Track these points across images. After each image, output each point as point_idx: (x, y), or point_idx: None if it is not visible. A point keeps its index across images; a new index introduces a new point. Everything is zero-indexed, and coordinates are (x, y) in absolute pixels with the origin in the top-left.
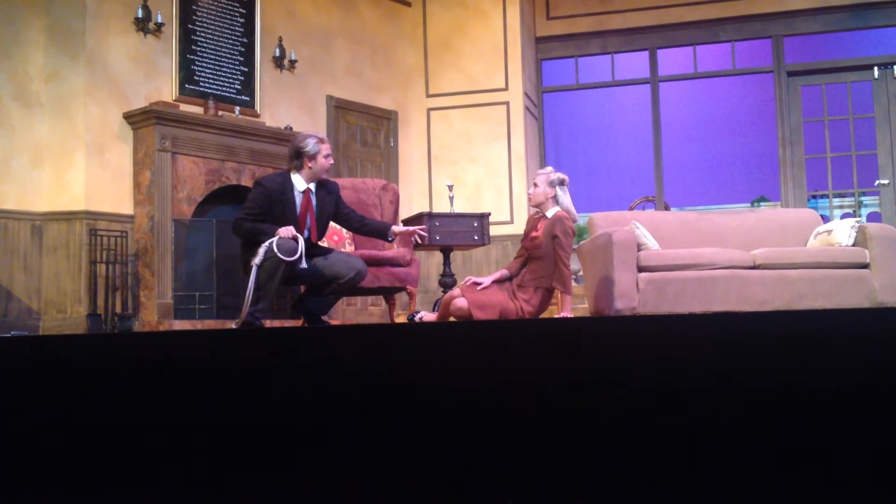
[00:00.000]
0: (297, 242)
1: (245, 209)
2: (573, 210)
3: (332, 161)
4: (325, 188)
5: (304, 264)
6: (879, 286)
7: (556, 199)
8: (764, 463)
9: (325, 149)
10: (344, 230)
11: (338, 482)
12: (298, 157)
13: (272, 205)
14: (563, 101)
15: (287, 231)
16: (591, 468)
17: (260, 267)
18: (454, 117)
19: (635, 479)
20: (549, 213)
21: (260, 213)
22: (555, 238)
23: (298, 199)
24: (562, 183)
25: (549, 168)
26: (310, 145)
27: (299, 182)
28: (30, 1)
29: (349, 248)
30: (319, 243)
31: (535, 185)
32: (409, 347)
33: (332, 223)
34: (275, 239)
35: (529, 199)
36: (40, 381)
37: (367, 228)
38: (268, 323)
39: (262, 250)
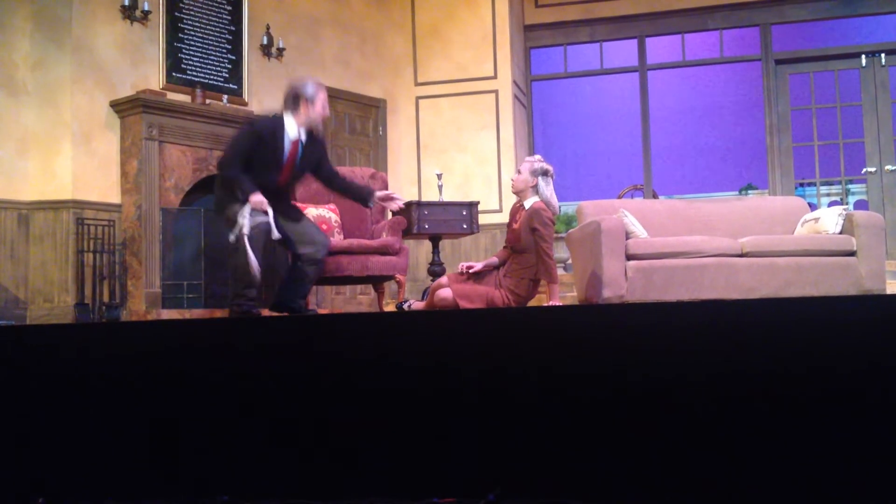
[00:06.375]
0: (268, 216)
1: (233, 148)
2: (553, 202)
3: (327, 111)
4: (315, 141)
5: (276, 235)
6: (866, 273)
7: (536, 189)
8: (751, 447)
9: (323, 96)
10: (333, 218)
11: (331, 467)
12: (295, 100)
13: (260, 146)
14: (551, 89)
15: (258, 203)
16: (582, 454)
17: (251, 238)
18: (443, 106)
19: (625, 463)
20: (527, 204)
21: (247, 155)
22: (534, 231)
23: (287, 146)
24: (545, 174)
25: (537, 157)
26: (309, 89)
27: (291, 127)
28: None
29: (338, 237)
30: (294, 206)
31: (519, 171)
32: (398, 335)
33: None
34: (247, 213)
35: (511, 186)
36: (27, 370)
37: (351, 190)
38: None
39: (245, 222)
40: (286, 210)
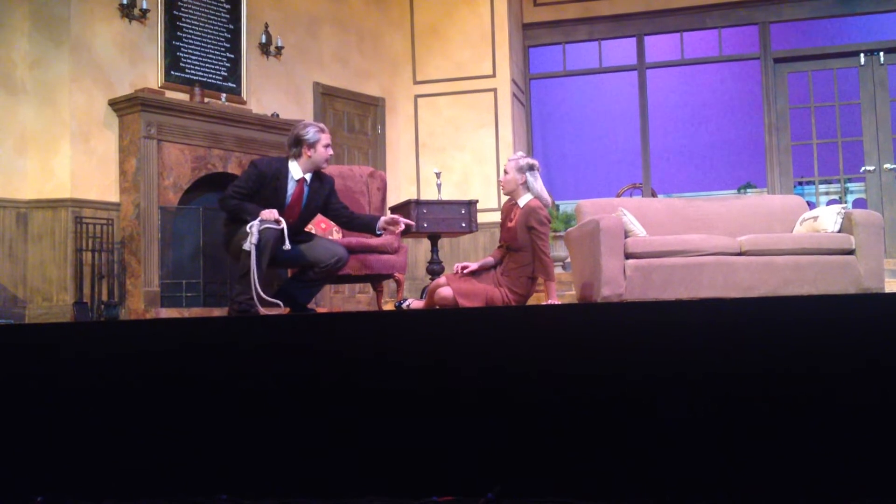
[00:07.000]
0: (280, 225)
1: (235, 186)
2: (545, 195)
3: (331, 152)
4: (321, 181)
5: (287, 246)
6: (864, 272)
7: (526, 186)
8: (750, 446)
9: (325, 138)
10: None
11: (319, 464)
12: (297, 145)
13: (263, 187)
14: (550, 87)
15: (270, 213)
16: (581, 453)
17: (258, 247)
18: (441, 104)
19: (625, 463)
20: (521, 202)
21: (249, 193)
22: (531, 230)
23: (291, 187)
24: (531, 168)
25: (520, 153)
26: (310, 133)
27: (296, 170)
28: None
29: (337, 236)
30: (305, 228)
31: (506, 171)
32: (397, 334)
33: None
34: (256, 223)
35: (501, 187)
36: (26, 370)
37: (356, 223)
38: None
39: (254, 230)
40: (299, 238)
